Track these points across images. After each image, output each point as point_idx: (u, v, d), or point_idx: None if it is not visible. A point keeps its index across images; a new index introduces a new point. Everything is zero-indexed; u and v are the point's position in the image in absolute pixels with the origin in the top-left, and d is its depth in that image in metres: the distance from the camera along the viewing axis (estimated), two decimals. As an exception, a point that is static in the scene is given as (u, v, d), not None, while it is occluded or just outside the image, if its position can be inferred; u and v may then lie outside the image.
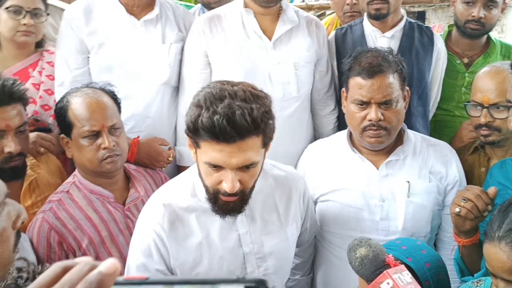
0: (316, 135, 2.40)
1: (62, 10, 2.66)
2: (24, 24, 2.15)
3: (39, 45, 2.31)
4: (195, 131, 1.38)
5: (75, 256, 1.77)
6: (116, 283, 0.48)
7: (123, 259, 1.82)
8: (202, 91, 1.42)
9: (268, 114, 1.40)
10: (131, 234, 1.83)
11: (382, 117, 1.82)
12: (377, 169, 1.93)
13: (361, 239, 1.48)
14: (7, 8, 2.14)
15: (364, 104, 1.84)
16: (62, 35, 2.20)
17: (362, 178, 1.93)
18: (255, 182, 1.51)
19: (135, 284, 0.50)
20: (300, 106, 2.23)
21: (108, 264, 0.47)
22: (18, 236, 1.00)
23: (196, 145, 1.43)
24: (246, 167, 1.42)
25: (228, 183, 1.40)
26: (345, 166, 1.96)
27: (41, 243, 1.74)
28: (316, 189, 1.97)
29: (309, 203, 1.83)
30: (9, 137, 1.77)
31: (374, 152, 1.94)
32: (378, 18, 2.28)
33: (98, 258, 1.78)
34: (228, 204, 1.48)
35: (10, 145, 1.76)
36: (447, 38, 2.54)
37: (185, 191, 1.59)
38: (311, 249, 2.05)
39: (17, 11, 2.15)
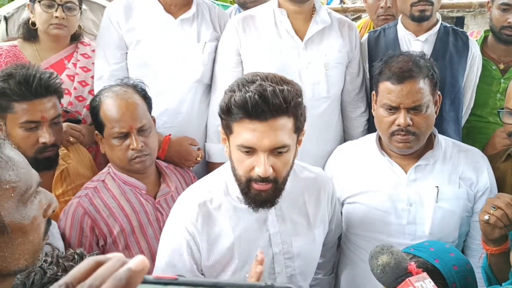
0: (345, 137, 2.40)
1: (104, 7, 2.75)
2: (56, 17, 2.21)
3: (75, 38, 2.37)
4: (228, 111, 1.40)
5: (105, 242, 1.84)
6: (146, 282, 0.50)
7: (150, 250, 1.88)
8: (235, 81, 1.46)
9: (298, 97, 1.43)
10: (160, 227, 1.89)
11: (411, 122, 1.80)
12: (406, 173, 1.91)
13: (383, 246, 1.46)
14: (40, 1, 2.21)
15: (393, 109, 1.83)
16: (102, 31, 2.27)
17: (390, 181, 1.92)
18: (288, 172, 1.51)
19: (164, 284, 0.51)
20: (330, 106, 2.24)
21: (137, 261, 0.48)
22: (48, 224, 1.03)
23: (229, 130, 1.45)
24: (278, 152, 1.43)
25: (261, 167, 1.41)
26: (373, 169, 1.96)
27: (74, 227, 1.81)
28: (343, 191, 1.97)
29: (336, 205, 1.84)
30: (44, 128, 1.83)
31: (403, 156, 1.93)
32: (422, 20, 2.25)
33: (127, 246, 1.84)
34: (261, 194, 1.48)
35: (45, 136, 1.83)
36: (483, 44, 2.50)
37: (218, 189, 1.61)
38: (334, 250, 2.06)
39: (49, 4, 2.21)
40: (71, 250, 1.23)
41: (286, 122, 1.41)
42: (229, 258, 1.59)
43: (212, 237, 1.58)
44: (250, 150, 1.42)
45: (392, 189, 1.91)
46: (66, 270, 1.13)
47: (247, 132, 1.40)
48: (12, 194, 0.93)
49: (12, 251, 0.94)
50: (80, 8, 2.31)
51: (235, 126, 1.42)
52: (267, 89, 1.36)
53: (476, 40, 2.49)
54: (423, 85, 1.81)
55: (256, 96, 1.35)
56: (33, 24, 2.27)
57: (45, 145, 1.83)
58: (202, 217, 1.57)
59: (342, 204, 1.99)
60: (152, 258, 1.87)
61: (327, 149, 2.19)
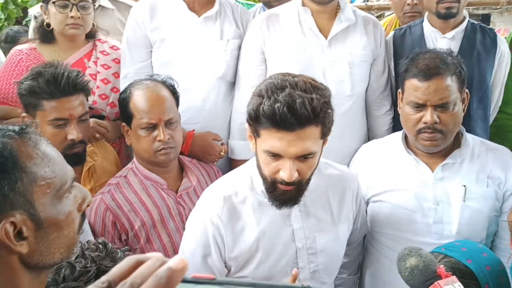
0: (370, 136, 2.38)
1: (131, 7, 2.78)
2: (72, 17, 2.20)
3: (91, 35, 2.37)
4: (256, 119, 1.42)
5: (127, 236, 1.87)
6: (184, 281, 0.50)
7: (172, 244, 1.92)
8: (264, 82, 1.47)
9: (327, 105, 1.43)
10: (182, 221, 1.92)
11: (437, 120, 1.78)
12: (432, 171, 1.89)
13: (411, 248, 1.44)
14: (54, 2, 2.22)
15: (420, 107, 1.81)
16: (128, 30, 2.30)
17: (416, 180, 1.90)
18: (312, 173, 1.53)
19: (202, 283, 0.51)
20: (354, 105, 2.23)
21: (177, 260, 0.49)
22: (83, 218, 1.06)
23: (256, 134, 1.46)
24: (304, 157, 1.44)
25: (286, 172, 1.43)
26: (399, 167, 1.94)
27: (97, 222, 1.86)
28: (368, 189, 1.96)
29: (361, 203, 1.83)
30: (72, 125, 1.87)
31: (430, 155, 1.91)
32: (448, 17, 2.22)
33: (148, 240, 1.88)
34: (285, 194, 1.50)
35: (73, 133, 1.86)
36: None
37: (243, 184, 1.63)
38: (359, 249, 2.05)
39: (64, 5, 2.21)
40: (93, 240, 1.25)
41: (314, 131, 1.42)
42: (253, 251, 1.60)
43: (237, 230, 1.60)
44: (276, 155, 1.44)
45: (418, 187, 1.89)
46: (94, 261, 1.15)
47: (273, 140, 1.41)
48: (48, 190, 0.95)
49: (47, 245, 0.96)
50: (94, 6, 2.30)
51: (262, 132, 1.44)
52: (296, 100, 1.36)
53: (506, 38, 2.44)
54: (451, 82, 1.79)
55: (285, 108, 1.36)
56: (48, 25, 2.27)
57: (73, 141, 1.87)
58: (227, 210, 1.59)
59: (367, 203, 1.98)
60: (174, 252, 1.91)
61: (352, 147, 2.18)
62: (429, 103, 1.79)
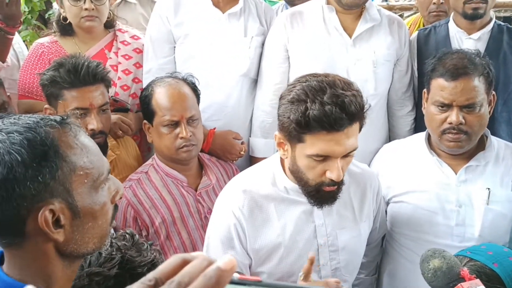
0: (391, 136, 2.37)
1: (154, 2, 2.79)
2: (86, 9, 2.19)
3: (110, 25, 2.35)
4: (306, 125, 1.40)
5: (148, 232, 1.88)
6: (231, 282, 0.50)
7: (191, 241, 1.93)
8: (295, 86, 1.46)
9: (363, 100, 1.45)
10: (201, 218, 1.94)
11: (463, 121, 1.76)
12: (455, 173, 1.87)
13: (435, 250, 1.43)
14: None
15: (445, 107, 1.79)
16: (152, 25, 2.30)
17: (439, 181, 1.88)
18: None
19: (248, 285, 0.51)
20: (377, 104, 2.21)
21: (226, 260, 0.49)
22: (115, 209, 1.07)
23: (298, 140, 1.45)
24: (347, 154, 1.46)
25: (336, 172, 1.44)
26: (422, 168, 1.92)
27: (118, 217, 1.87)
28: (389, 189, 1.95)
29: (381, 202, 1.83)
30: (92, 115, 1.88)
31: (453, 156, 1.89)
32: (475, 18, 2.20)
33: (168, 236, 1.89)
34: (329, 194, 1.51)
35: (93, 123, 1.87)
36: None
37: (265, 179, 1.63)
38: (378, 249, 2.04)
39: None
40: (121, 230, 1.27)
41: (356, 127, 1.45)
42: (275, 246, 1.61)
43: (258, 224, 1.60)
44: (322, 157, 1.44)
45: (441, 189, 1.87)
46: (120, 249, 1.16)
47: (322, 142, 1.41)
48: (86, 180, 0.97)
49: (82, 234, 0.97)
50: None
51: (308, 137, 1.43)
52: (345, 100, 1.38)
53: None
54: (478, 83, 1.77)
55: (337, 109, 1.37)
56: (65, 19, 2.26)
57: (93, 131, 1.87)
58: (248, 203, 1.60)
59: (388, 203, 1.97)
60: (193, 248, 1.92)
61: (373, 147, 2.17)
62: (455, 103, 1.76)
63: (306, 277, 1.44)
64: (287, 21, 2.22)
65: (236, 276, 0.50)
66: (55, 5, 2.98)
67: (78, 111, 1.86)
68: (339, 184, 1.50)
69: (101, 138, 1.92)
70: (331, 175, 1.45)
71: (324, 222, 1.63)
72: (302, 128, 1.42)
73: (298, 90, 1.44)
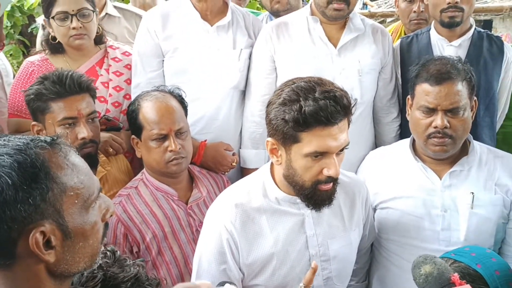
0: (377, 143, 2.40)
1: (138, 15, 2.79)
2: (74, 28, 2.18)
3: (99, 40, 2.35)
4: (303, 122, 1.42)
5: (139, 248, 1.86)
6: None
7: (183, 255, 1.91)
8: (284, 90, 1.49)
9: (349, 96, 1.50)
10: (192, 232, 1.93)
11: (448, 125, 1.80)
12: (440, 179, 1.90)
13: (426, 256, 1.46)
14: (53, 17, 2.20)
15: (430, 111, 1.83)
16: (139, 39, 2.30)
17: (424, 187, 1.91)
18: None
19: None
20: (363, 112, 2.24)
21: None
22: (106, 228, 1.07)
23: (294, 140, 1.47)
24: (341, 150, 1.49)
25: (333, 168, 1.47)
26: (407, 174, 1.95)
27: (108, 234, 1.82)
28: (376, 196, 1.97)
29: (369, 210, 1.85)
30: (81, 124, 1.88)
31: (438, 162, 1.92)
32: (452, 26, 2.24)
33: (160, 252, 1.87)
34: (325, 193, 1.53)
35: (83, 131, 1.87)
36: None
37: (256, 191, 1.64)
38: (367, 256, 2.06)
39: (63, 17, 2.17)
40: (102, 247, 1.27)
41: (346, 122, 1.49)
42: (267, 259, 1.61)
43: (251, 237, 1.60)
44: (319, 155, 1.46)
45: (426, 195, 1.90)
46: (101, 267, 1.16)
47: (319, 138, 1.44)
48: (76, 201, 0.97)
49: (73, 254, 0.98)
50: (94, 11, 2.25)
51: (304, 135, 1.45)
52: (336, 94, 1.43)
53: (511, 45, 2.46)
54: (461, 87, 1.81)
55: (332, 102, 1.41)
56: (54, 38, 2.26)
57: (84, 140, 1.87)
58: (241, 217, 1.60)
59: (375, 210, 1.99)
60: (185, 263, 1.91)
61: (359, 155, 2.19)
62: (440, 107, 1.80)
63: (307, 287, 1.45)
64: (272, 32, 2.25)
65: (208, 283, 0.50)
66: (38, 20, 2.96)
67: (66, 121, 1.86)
68: (334, 181, 1.52)
69: (93, 148, 1.92)
70: (329, 172, 1.47)
71: (315, 233, 1.64)
72: (299, 126, 1.43)
73: (288, 92, 1.46)
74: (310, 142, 1.44)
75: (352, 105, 1.48)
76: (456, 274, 1.38)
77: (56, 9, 2.19)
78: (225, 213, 1.61)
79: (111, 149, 2.14)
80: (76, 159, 1.01)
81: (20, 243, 0.91)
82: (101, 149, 2.08)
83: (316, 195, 1.52)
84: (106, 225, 1.07)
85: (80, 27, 2.19)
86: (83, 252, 0.99)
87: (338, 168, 1.48)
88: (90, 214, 1.00)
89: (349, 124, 1.51)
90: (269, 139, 1.53)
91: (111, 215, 1.08)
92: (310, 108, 1.40)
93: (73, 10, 2.18)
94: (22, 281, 0.95)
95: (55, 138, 1.00)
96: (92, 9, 2.24)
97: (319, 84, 1.46)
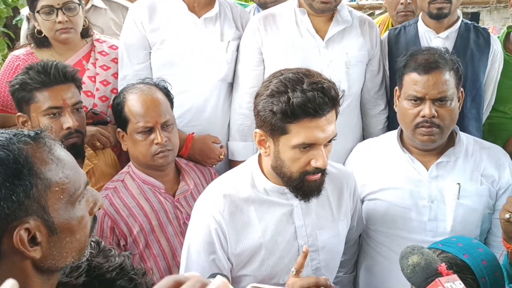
0: (365, 135, 2.40)
1: (125, 7, 2.76)
2: (60, 22, 2.15)
3: (86, 33, 2.32)
4: (291, 114, 1.42)
5: (126, 242, 1.86)
6: None
7: (171, 248, 1.91)
8: (272, 81, 1.48)
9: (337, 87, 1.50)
10: (179, 225, 1.92)
11: (435, 114, 1.81)
12: (427, 170, 1.91)
13: (414, 247, 1.47)
14: (38, 11, 2.17)
15: (418, 100, 1.83)
16: (126, 31, 2.27)
17: (411, 178, 1.92)
18: None
19: None
20: (350, 104, 2.25)
21: (219, 283, 0.48)
22: (94, 221, 1.06)
23: (281, 132, 1.46)
24: (328, 142, 1.49)
25: (321, 159, 1.47)
26: (394, 165, 1.96)
27: (95, 228, 1.83)
28: (364, 188, 1.98)
29: (357, 201, 1.86)
30: (66, 114, 1.86)
31: (425, 153, 1.93)
32: (439, 17, 2.25)
33: (147, 245, 1.87)
34: (314, 184, 1.53)
35: (68, 121, 1.85)
36: (506, 39, 2.48)
37: (244, 182, 1.64)
38: (355, 248, 2.07)
39: (49, 11, 2.15)
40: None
41: (334, 113, 1.49)
42: (256, 249, 1.61)
43: (239, 227, 1.61)
44: (307, 146, 1.46)
45: (413, 186, 1.91)
46: (87, 259, 1.16)
47: (307, 130, 1.44)
48: (62, 196, 0.95)
49: (60, 249, 0.96)
50: (80, 4, 2.23)
51: (292, 127, 1.45)
52: (324, 85, 1.43)
53: (498, 37, 2.47)
54: (449, 77, 1.82)
55: (319, 93, 1.41)
56: (40, 32, 2.23)
57: (69, 130, 1.85)
58: (229, 207, 1.60)
59: (362, 201, 2.00)
60: (173, 255, 1.91)
61: (346, 147, 2.20)
62: (428, 96, 1.81)
63: (298, 272, 1.46)
64: (260, 24, 2.23)
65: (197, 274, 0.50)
66: (23, 12, 2.91)
67: (51, 111, 1.84)
68: (322, 172, 1.53)
69: (78, 138, 1.90)
70: (317, 163, 1.48)
71: (303, 223, 1.65)
72: (287, 118, 1.43)
73: (276, 83, 1.46)
74: (298, 133, 1.44)
75: (339, 97, 1.48)
76: (443, 264, 1.40)
77: (41, 3, 2.16)
78: (213, 204, 1.61)
79: (99, 143, 2.12)
80: (61, 153, 0.98)
81: (5, 241, 0.90)
82: (89, 143, 2.06)
83: (305, 185, 1.53)
84: (95, 218, 1.06)
85: (66, 21, 2.16)
86: (70, 247, 0.98)
87: (326, 160, 1.48)
88: (77, 208, 0.99)
89: (336, 116, 1.51)
90: (257, 130, 1.53)
91: (99, 208, 1.06)
92: (298, 100, 1.40)
93: (58, 4, 2.15)
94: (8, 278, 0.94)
95: (39, 132, 0.97)
96: (77, 2, 2.21)
97: (307, 75, 1.46)
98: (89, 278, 1.09)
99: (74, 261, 1.00)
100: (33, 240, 0.92)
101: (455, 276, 1.35)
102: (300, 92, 1.41)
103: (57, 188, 0.94)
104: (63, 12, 2.15)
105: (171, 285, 0.49)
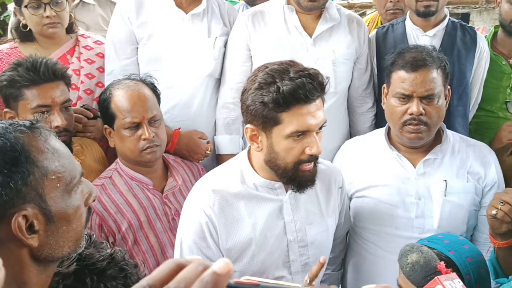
0: (352, 133, 2.41)
1: (113, 3, 2.75)
2: (47, 17, 2.15)
3: (69, 30, 2.32)
4: (283, 102, 1.43)
5: (114, 239, 1.85)
6: (228, 286, 0.48)
7: (160, 244, 1.91)
8: (257, 74, 1.50)
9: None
10: (168, 220, 1.92)
11: (423, 111, 1.81)
12: (414, 167, 1.92)
13: (413, 245, 1.49)
14: (26, 6, 2.16)
15: (406, 98, 1.84)
16: (113, 26, 2.26)
17: (399, 175, 1.93)
18: None
19: None
20: (337, 102, 2.25)
21: (222, 264, 0.47)
22: (89, 212, 1.07)
23: (275, 123, 1.47)
24: (319, 128, 1.51)
25: (316, 146, 1.49)
26: (382, 163, 1.97)
27: None
28: (351, 185, 1.99)
29: (345, 198, 1.87)
30: (55, 112, 1.85)
31: (412, 150, 1.94)
32: (427, 15, 2.26)
33: (136, 241, 1.86)
34: (308, 173, 1.54)
35: (57, 120, 1.84)
36: (493, 39, 2.50)
37: (234, 177, 1.64)
38: (343, 245, 2.08)
39: (37, 5, 2.14)
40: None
41: (321, 100, 1.51)
42: (246, 244, 1.61)
43: (229, 222, 1.61)
44: (300, 134, 1.47)
45: (401, 183, 1.92)
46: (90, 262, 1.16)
47: (299, 117, 1.45)
48: (58, 184, 0.96)
49: (57, 239, 0.97)
50: (67, 0, 2.24)
51: (284, 116, 1.46)
52: (310, 72, 1.45)
53: (486, 36, 2.49)
54: (436, 75, 1.83)
55: (308, 79, 1.43)
56: (25, 26, 2.22)
57: (58, 129, 1.83)
58: (219, 202, 1.60)
59: (350, 199, 2.01)
60: (162, 251, 1.91)
61: (334, 145, 2.21)
62: (416, 94, 1.82)
63: (312, 280, 1.47)
64: (248, 20, 2.24)
65: (231, 280, 0.49)
66: (10, 7, 2.89)
67: (40, 109, 1.82)
68: (315, 161, 1.54)
69: (66, 136, 1.88)
70: (311, 150, 1.49)
71: (293, 218, 1.65)
72: (280, 106, 1.44)
73: (262, 76, 1.47)
74: (290, 122, 1.45)
75: (325, 82, 1.50)
76: (442, 262, 1.41)
77: None
78: (203, 198, 1.61)
79: (89, 134, 2.12)
80: (57, 143, 1.00)
81: (2, 228, 0.91)
82: (77, 127, 2.06)
83: (299, 176, 1.54)
84: (89, 210, 1.06)
85: (54, 16, 2.15)
86: (66, 236, 0.98)
87: (320, 146, 1.50)
88: (73, 198, 1.00)
89: (323, 103, 1.54)
90: (248, 125, 1.53)
91: (94, 200, 1.07)
92: (288, 87, 1.42)
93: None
94: (5, 267, 0.94)
95: (35, 122, 0.99)
96: None
97: (291, 65, 1.48)
98: (80, 266, 1.10)
99: (70, 252, 1.01)
100: (30, 228, 0.93)
101: (454, 274, 1.36)
102: (288, 80, 1.43)
103: (53, 177, 0.96)
104: (50, 7, 2.15)
105: (173, 268, 0.48)
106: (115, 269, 1.14)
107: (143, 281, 0.47)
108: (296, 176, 1.54)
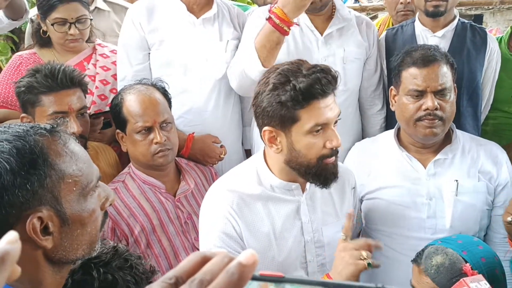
0: (363, 135, 2.41)
1: (127, 8, 2.79)
2: (71, 34, 2.23)
3: (88, 39, 2.37)
4: (302, 99, 1.45)
5: (127, 242, 1.87)
6: (253, 278, 0.48)
7: (172, 247, 1.92)
8: (268, 80, 1.50)
9: None
10: (180, 224, 1.93)
11: (438, 106, 1.81)
12: (425, 167, 1.92)
13: (438, 247, 1.48)
14: (53, 24, 2.22)
15: (419, 95, 1.84)
16: (125, 32, 2.29)
17: (409, 176, 1.93)
18: None
19: (271, 281, 0.49)
20: (347, 100, 2.26)
21: (248, 255, 0.47)
22: (105, 216, 1.09)
23: (293, 121, 1.48)
24: (335, 122, 1.53)
25: (335, 138, 1.51)
26: (392, 164, 1.96)
27: None
28: (363, 187, 1.98)
29: (357, 199, 1.87)
30: (71, 119, 1.88)
31: (422, 151, 1.94)
32: (436, 15, 2.26)
33: (149, 245, 1.87)
34: (332, 168, 1.55)
35: (73, 126, 1.87)
36: (510, 39, 2.48)
37: (250, 179, 1.64)
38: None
39: (61, 23, 2.21)
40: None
41: (333, 94, 1.53)
42: (266, 245, 1.61)
43: (249, 222, 1.61)
44: (320, 129, 1.49)
45: (411, 184, 1.91)
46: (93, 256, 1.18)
47: (317, 111, 1.47)
48: (74, 188, 0.98)
49: (71, 241, 0.99)
50: (90, 15, 2.31)
51: (302, 112, 1.47)
52: (322, 67, 1.47)
53: (502, 37, 2.47)
54: (447, 70, 1.84)
55: (322, 74, 1.45)
56: (44, 32, 2.28)
57: (73, 135, 1.86)
58: (237, 202, 1.60)
59: (361, 201, 2.01)
60: (175, 255, 1.92)
61: (345, 146, 2.16)
62: (429, 89, 1.82)
63: (347, 236, 1.51)
64: (264, 14, 2.23)
65: (257, 272, 0.49)
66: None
67: (56, 116, 1.85)
68: (336, 154, 1.55)
69: (81, 143, 1.89)
70: (332, 143, 1.50)
71: (309, 219, 1.66)
72: (298, 103, 1.45)
73: (275, 77, 1.48)
74: (310, 117, 1.47)
75: (337, 75, 1.52)
76: (468, 264, 1.39)
77: (55, 15, 2.21)
78: (222, 199, 1.62)
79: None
80: (76, 147, 1.02)
81: (18, 229, 0.91)
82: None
83: (324, 170, 1.54)
84: (106, 214, 1.08)
85: (77, 33, 2.23)
86: (81, 239, 1.00)
87: (339, 138, 1.51)
88: (89, 202, 1.01)
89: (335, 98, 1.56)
90: (266, 128, 1.53)
91: (111, 204, 1.09)
92: (304, 84, 1.44)
93: (72, 18, 2.21)
94: (20, 266, 0.96)
95: (55, 126, 1.01)
96: (88, 16, 2.28)
97: (302, 64, 1.50)
98: (85, 261, 1.12)
99: (84, 255, 1.02)
100: (45, 230, 0.95)
101: (480, 276, 1.34)
102: (302, 77, 1.44)
103: (70, 180, 0.97)
104: (75, 26, 2.22)
105: (198, 260, 0.49)
106: (120, 260, 1.15)
107: (170, 273, 0.48)
108: (321, 171, 1.54)
